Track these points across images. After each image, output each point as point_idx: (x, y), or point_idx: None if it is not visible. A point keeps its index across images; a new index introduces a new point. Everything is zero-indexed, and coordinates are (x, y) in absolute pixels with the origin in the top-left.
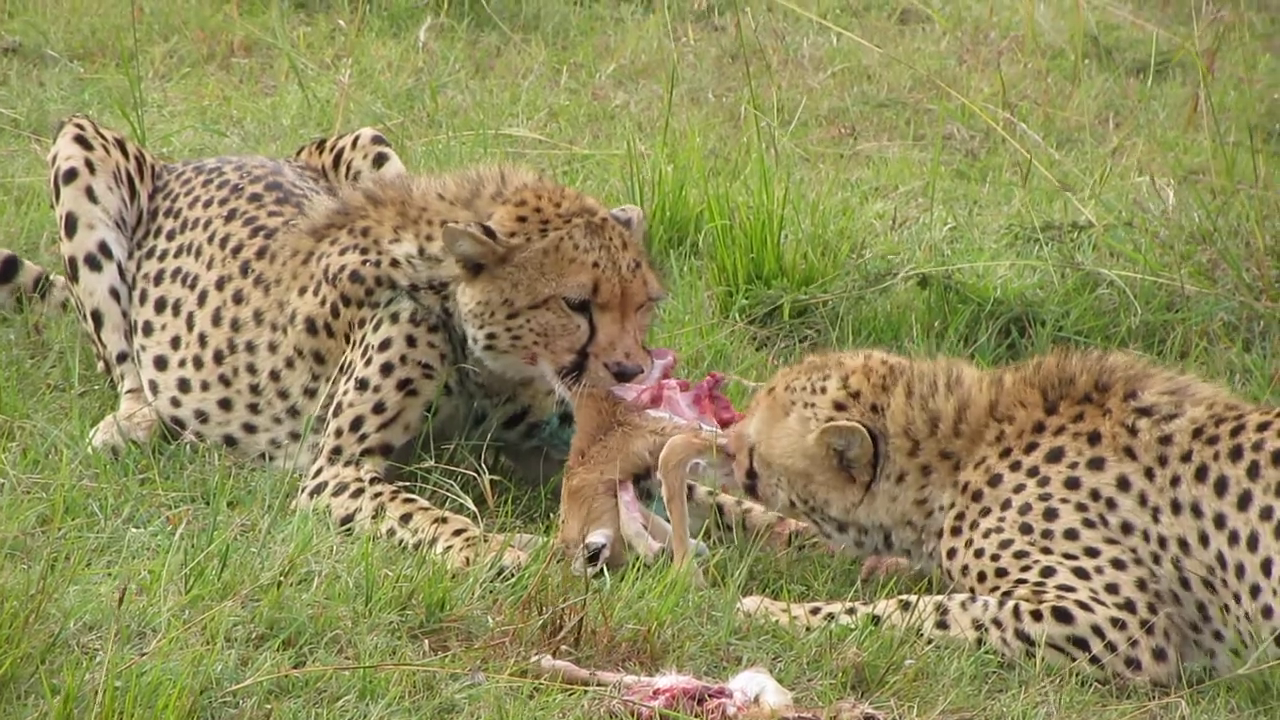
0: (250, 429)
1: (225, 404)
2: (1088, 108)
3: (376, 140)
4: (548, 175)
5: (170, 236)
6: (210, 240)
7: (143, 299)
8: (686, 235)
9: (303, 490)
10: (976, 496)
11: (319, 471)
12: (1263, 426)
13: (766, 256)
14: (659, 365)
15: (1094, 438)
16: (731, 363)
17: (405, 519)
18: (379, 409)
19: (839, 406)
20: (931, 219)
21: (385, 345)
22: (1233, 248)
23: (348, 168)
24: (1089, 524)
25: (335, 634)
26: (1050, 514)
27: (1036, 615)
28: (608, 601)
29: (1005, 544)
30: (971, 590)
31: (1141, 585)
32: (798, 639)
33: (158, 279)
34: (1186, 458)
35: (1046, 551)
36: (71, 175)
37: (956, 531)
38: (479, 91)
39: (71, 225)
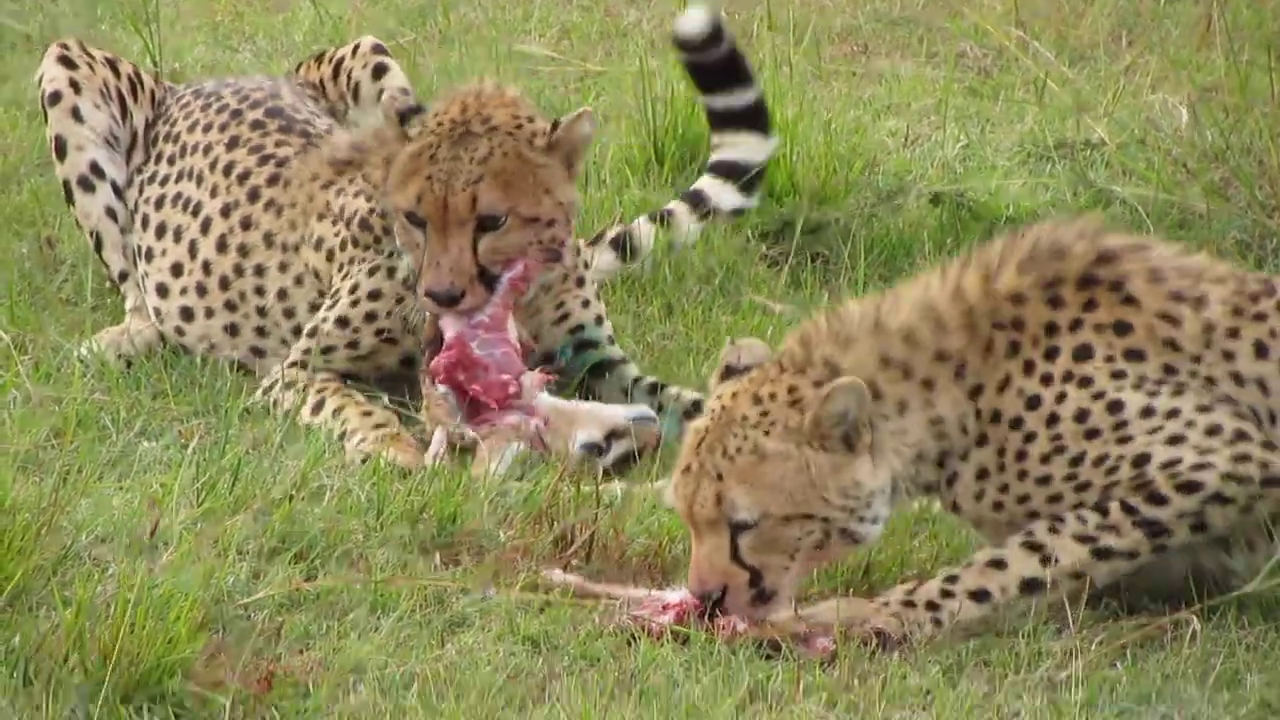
0: (259, 353)
1: (232, 329)
2: (1101, 25)
3: (377, 49)
4: (556, 91)
5: (171, 161)
6: (213, 167)
7: (144, 224)
8: (699, 153)
9: (260, 389)
10: (1016, 424)
11: (278, 374)
12: None
13: (779, 173)
14: (501, 284)
15: (1123, 328)
16: (743, 280)
17: (338, 411)
18: (353, 345)
19: (793, 392)
20: (944, 137)
21: (375, 296)
22: (1245, 166)
23: (348, 77)
24: (1155, 393)
25: (347, 548)
26: (1114, 406)
27: (1156, 499)
28: (619, 516)
29: (1077, 459)
30: (1037, 514)
31: (1237, 413)
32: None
33: (158, 204)
34: (1235, 334)
35: (1126, 441)
36: (56, 97)
37: (1002, 468)
38: (491, 8)
39: (61, 148)
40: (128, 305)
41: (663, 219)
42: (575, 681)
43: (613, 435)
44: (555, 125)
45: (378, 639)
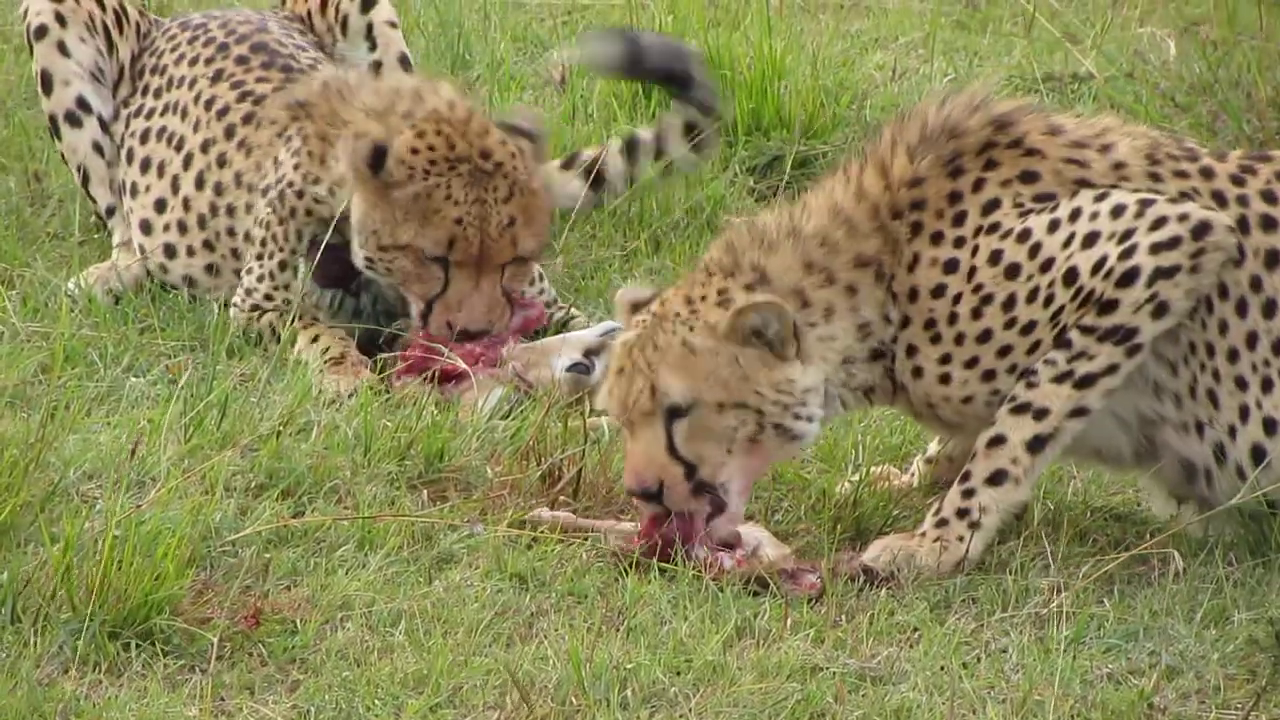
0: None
1: (211, 268)
2: None
3: None
4: (543, 24)
5: (157, 95)
6: (196, 101)
7: (129, 158)
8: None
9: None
10: (937, 292)
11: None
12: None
13: (766, 107)
14: (518, 319)
15: (1029, 176)
16: (732, 213)
17: (292, 340)
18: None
19: (723, 294)
20: (932, 70)
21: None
22: (1234, 99)
23: (335, 10)
24: (1055, 208)
25: (334, 484)
26: (1023, 235)
27: (1105, 306)
28: (606, 453)
29: (1008, 302)
30: (993, 375)
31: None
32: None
33: (144, 138)
34: (1156, 178)
35: (1049, 266)
36: (42, 31)
37: (935, 339)
38: None
39: (47, 82)
40: (115, 240)
41: (630, 148)
42: (563, 618)
43: (591, 353)
44: (531, 136)
45: (365, 575)
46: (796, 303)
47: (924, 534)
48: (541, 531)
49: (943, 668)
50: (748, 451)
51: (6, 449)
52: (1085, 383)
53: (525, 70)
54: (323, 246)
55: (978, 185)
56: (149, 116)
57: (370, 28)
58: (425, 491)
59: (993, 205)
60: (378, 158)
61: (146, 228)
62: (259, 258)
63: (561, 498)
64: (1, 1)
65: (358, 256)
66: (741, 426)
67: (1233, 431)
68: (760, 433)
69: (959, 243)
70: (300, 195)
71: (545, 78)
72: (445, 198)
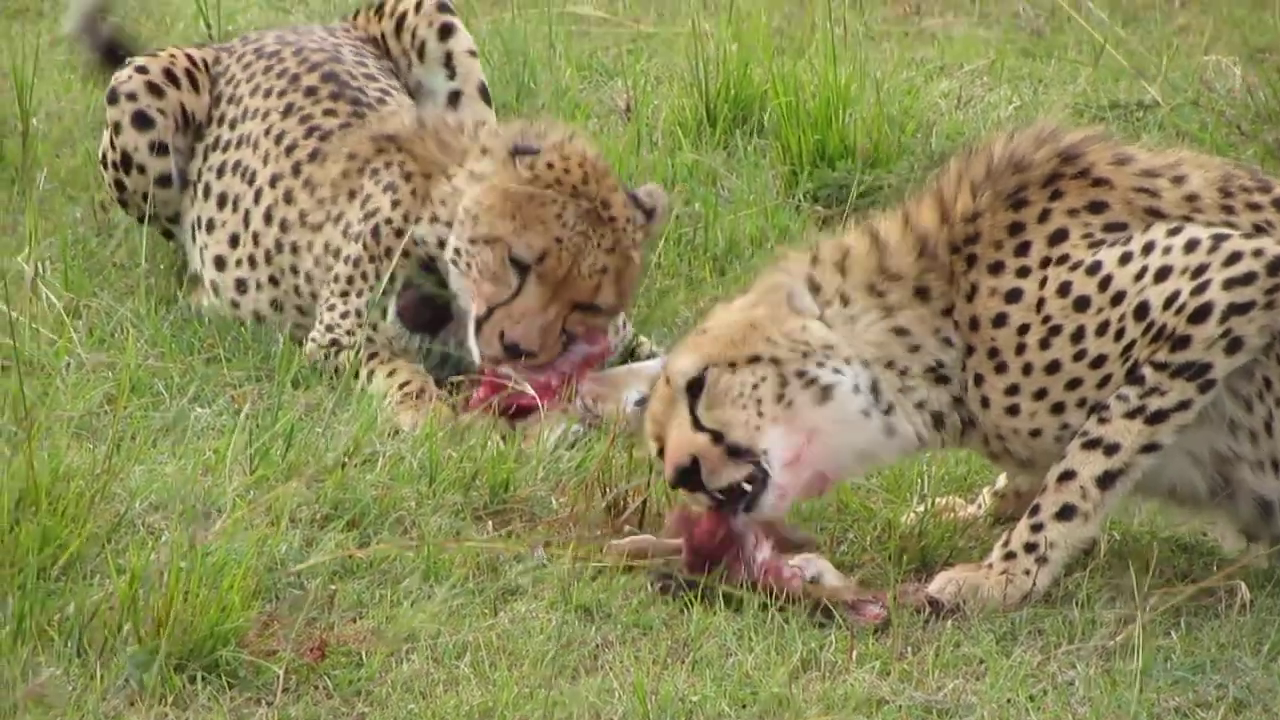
0: (303, 329)
1: (276, 305)
2: None
3: (442, 7)
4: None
5: (232, 126)
6: (267, 134)
7: (206, 193)
8: (751, 114)
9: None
10: (999, 321)
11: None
12: None
13: (831, 136)
14: (579, 351)
15: (1097, 206)
16: (795, 242)
17: (371, 375)
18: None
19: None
20: (997, 98)
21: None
22: None
23: (412, 35)
24: (1128, 239)
25: (399, 515)
26: (1094, 268)
27: (1178, 342)
28: (675, 495)
29: (1077, 335)
30: (1062, 408)
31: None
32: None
33: (219, 172)
34: (1230, 209)
35: (1119, 299)
36: (128, 163)
37: (1001, 369)
38: None
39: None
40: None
41: None
42: (628, 650)
43: None
44: (650, 214)
45: (431, 607)
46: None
47: (990, 566)
48: (607, 561)
49: (1009, 700)
50: (783, 418)
51: (73, 480)
52: (1157, 418)
53: (590, 98)
54: (418, 292)
55: (1044, 216)
56: (225, 149)
57: (449, 56)
58: (490, 523)
59: (1060, 236)
60: (522, 152)
61: (220, 264)
62: (343, 294)
63: (627, 528)
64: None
65: (448, 250)
66: (762, 383)
67: None
68: (784, 386)
69: (1022, 272)
70: (399, 234)
71: (610, 106)
72: (556, 215)
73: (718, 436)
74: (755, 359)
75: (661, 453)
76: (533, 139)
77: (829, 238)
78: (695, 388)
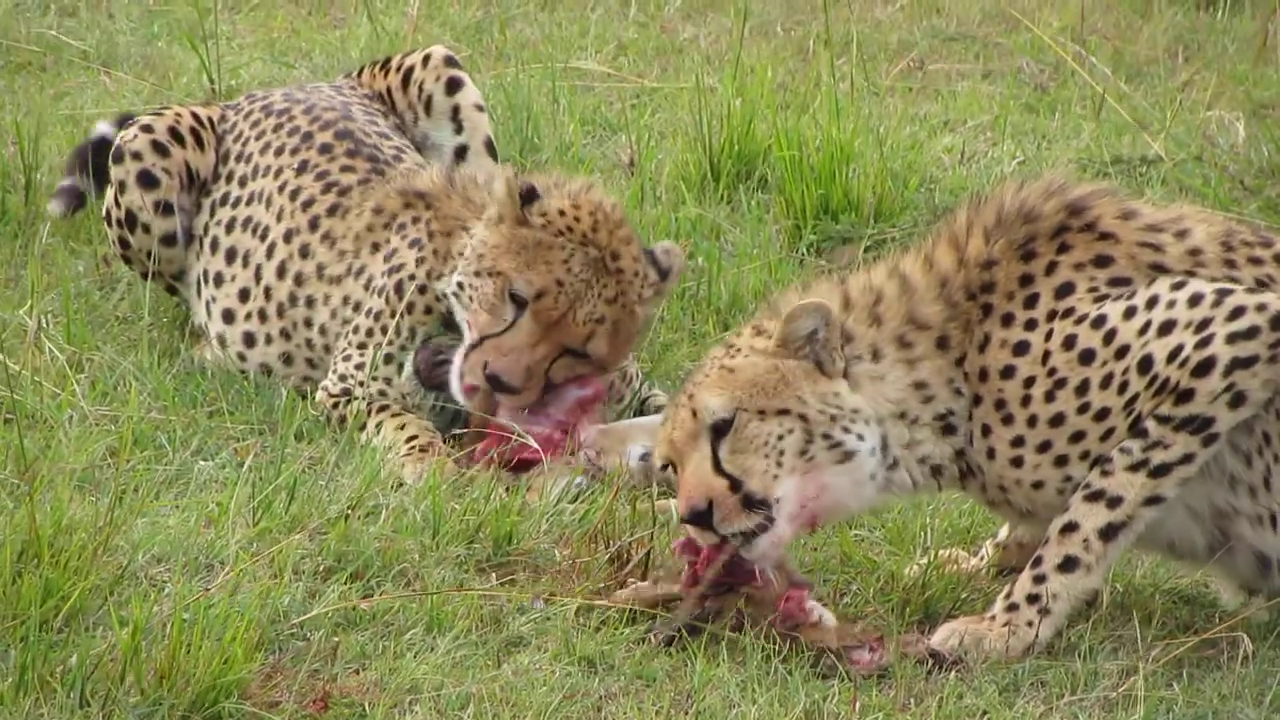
0: (311, 382)
1: (286, 358)
2: (1158, 41)
3: (449, 62)
4: (611, 108)
5: (242, 183)
6: (280, 190)
7: (214, 247)
8: (755, 169)
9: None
10: (1007, 373)
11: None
12: None
13: (835, 190)
14: (570, 395)
15: (1102, 260)
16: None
17: (379, 426)
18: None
19: (757, 329)
20: (1000, 153)
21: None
22: None
23: (419, 89)
24: (1132, 294)
25: (403, 567)
26: (1098, 322)
27: (1182, 396)
28: (675, 533)
29: (1082, 388)
30: (1065, 460)
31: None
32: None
33: (229, 227)
34: (1231, 264)
35: (1124, 352)
36: (133, 221)
37: (1007, 420)
38: (548, 24)
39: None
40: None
41: None
42: (631, 701)
43: None
44: (665, 273)
45: (434, 659)
46: (841, 335)
47: (993, 618)
48: (610, 613)
49: None
50: (800, 470)
51: (75, 532)
52: (1160, 472)
53: (594, 153)
54: (435, 349)
55: (1050, 269)
56: (234, 205)
57: (456, 110)
58: (494, 574)
59: (1067, 289)
60: (529, 196)
61: (229, 317)
62: (360, 346)
63: (630, 580)
64: (71, 86)
65: (451, 285)
66: (788, 435)
67: None
68: (809, 443)
69: (1030, 325)
70: (422, 291)
71: (614, 160)
72: (562, 260)
73: (735, 484)
74: (785, 411)
75: (664, 467)
76: (541, 186)
77: (857, 275)
78: (722, 428)
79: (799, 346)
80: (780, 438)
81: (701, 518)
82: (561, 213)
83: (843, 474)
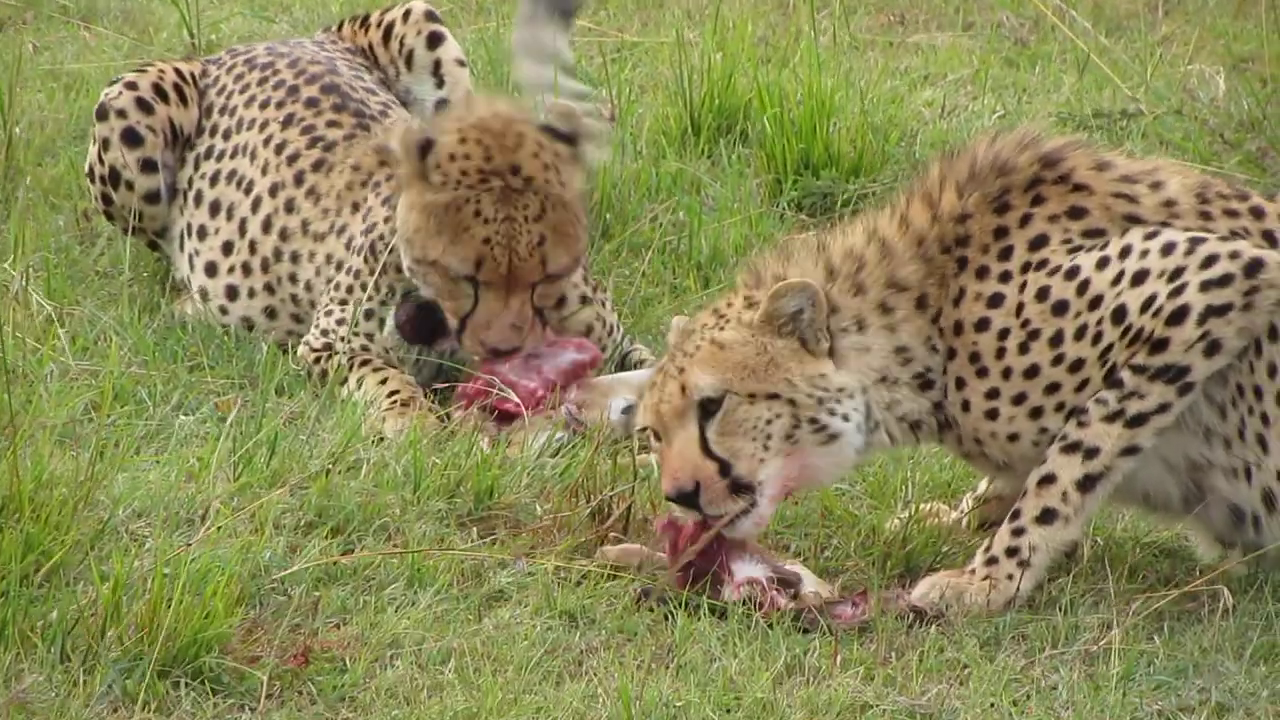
0: (295, 337)
1: (270, 312)
2: None
3: (430, 16)
4: (592, 62)
5: (226, 136)
6: (266, 144)
7: (198, 201)
8: (735, 124)
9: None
10: (981, 326)
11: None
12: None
13: (816, 145)
14: (567, 358)
15: (1076, 212)
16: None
17: (360, 381)
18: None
19: (748, 299)
20: (981, 107)
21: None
22: None
23: (400, 44)
24: (1105, 244)
25: (384, 521)
26: (1071, 273)
27: (1156, 345)
28: (656, 488)
29: (1055, 339)
30: (1040, 412)
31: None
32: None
33: (213, 180)
34: (1207, 215)
35: (1097, 303)
36: (115, 179)
37: (982, 373)
38: None
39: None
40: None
41: None
42: (612, 655)
43: None
44: (571, 140)
45: (415, 613)
46: (827, 305)
47: (973, 571)
48: (591, 568)
49: (993, 705)
50: (786, 453)
51: (56, 487)
52: (1136, 422)
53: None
54: (416, 304)
55: (1024, 221)
56: (219, 159)
57: (438, 65)
58: (475, 529)
59: (1040, 241)
60: (425, 147)
61: (212, 270)
62: (342, 303)
63: (611, 534)
64: (50, 41)
65: (404, 261)
66: (775, 420)
67: None
68: (796, 428)
69: (1004, 277)
70: (394, 250)
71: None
72: (475, 214)
73: (724, 468)
74: (774, 396)
75: (644, 430)
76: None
77: (836, 238)
78: (710, 406)
79: (783, 324)
80: (769, 421)
81: (688, 498)
82: (452, 157)
83: (826, 455)
